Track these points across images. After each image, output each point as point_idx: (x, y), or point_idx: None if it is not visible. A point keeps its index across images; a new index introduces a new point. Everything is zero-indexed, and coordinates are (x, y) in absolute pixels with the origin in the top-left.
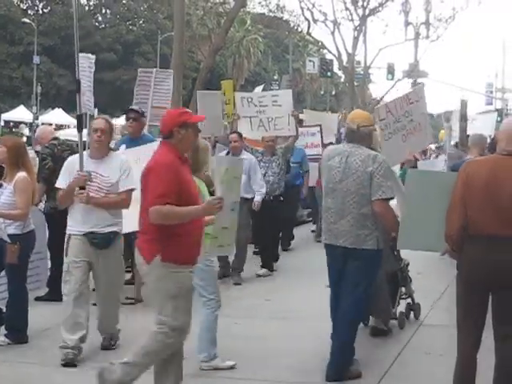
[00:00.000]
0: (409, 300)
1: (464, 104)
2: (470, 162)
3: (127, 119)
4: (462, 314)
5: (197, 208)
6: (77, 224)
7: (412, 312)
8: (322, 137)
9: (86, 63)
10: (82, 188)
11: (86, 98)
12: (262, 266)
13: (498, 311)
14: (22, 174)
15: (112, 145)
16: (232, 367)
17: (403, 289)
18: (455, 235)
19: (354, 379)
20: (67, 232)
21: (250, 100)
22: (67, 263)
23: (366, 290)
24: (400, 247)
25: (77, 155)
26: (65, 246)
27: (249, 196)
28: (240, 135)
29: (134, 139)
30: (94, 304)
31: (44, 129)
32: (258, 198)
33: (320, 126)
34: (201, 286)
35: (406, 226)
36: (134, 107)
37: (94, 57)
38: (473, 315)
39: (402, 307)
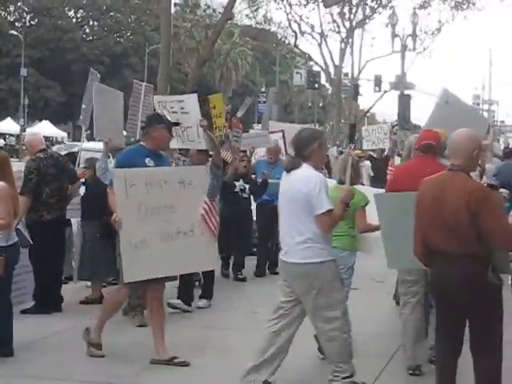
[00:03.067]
0: None
1: None
2: (424, 180)
3: (169, 132)
4: (437, 324)
5: None
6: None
7: None
8: (285, 144)
9: (96, 80)
10: (347, 205)
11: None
12: (201, 296)
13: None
14: (0, 184)
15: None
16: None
17: None
18: (418, 252)
19: None
20: (325, 259)
21: (164, 105)
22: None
23: None
24: (390, 267)
25: (326, 179)
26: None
27: None
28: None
29: (159, 155)
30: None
31: (34, 137)
32: None
33: (283, 131)
34: None
35: (388, 246)
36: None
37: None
38: (444, 326)
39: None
